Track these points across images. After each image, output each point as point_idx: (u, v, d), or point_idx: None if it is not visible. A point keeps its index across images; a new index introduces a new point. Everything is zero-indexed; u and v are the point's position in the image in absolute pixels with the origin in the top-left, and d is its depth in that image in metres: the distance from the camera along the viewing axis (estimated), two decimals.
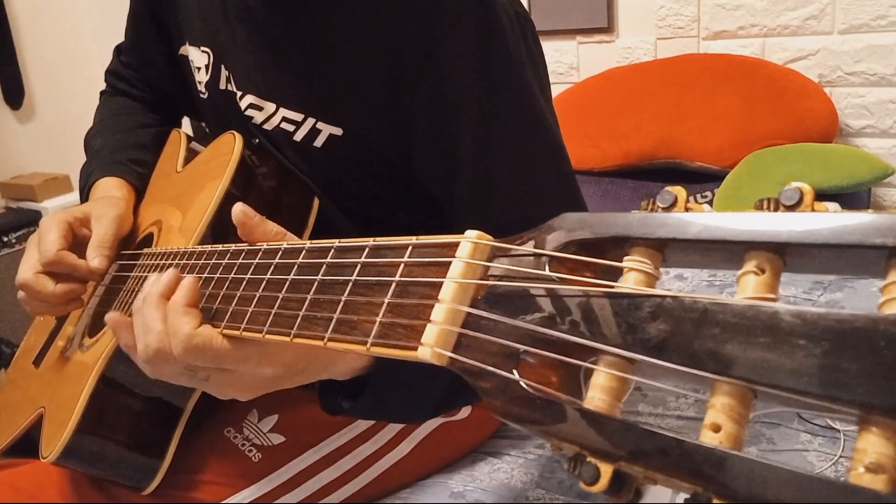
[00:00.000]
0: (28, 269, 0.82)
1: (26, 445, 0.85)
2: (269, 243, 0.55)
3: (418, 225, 0.84)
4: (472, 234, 0.36)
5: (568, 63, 2.35)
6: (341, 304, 0.41)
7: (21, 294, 0.84)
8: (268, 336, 0.47)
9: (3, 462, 0.88)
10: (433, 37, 0.70)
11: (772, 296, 0.25)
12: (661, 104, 2.10)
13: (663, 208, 0.28)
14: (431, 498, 0.90)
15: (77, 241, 0.85)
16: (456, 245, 0.36)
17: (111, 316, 0.62)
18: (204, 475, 0.83)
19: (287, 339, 0.44)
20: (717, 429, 0.24)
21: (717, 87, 2.03)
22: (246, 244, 0.57)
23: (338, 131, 0.77)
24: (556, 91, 2.31)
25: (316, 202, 0.82)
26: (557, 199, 0.77)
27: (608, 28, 2.25)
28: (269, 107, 0.81)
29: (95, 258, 0.82)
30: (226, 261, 0.59)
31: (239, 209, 0.57)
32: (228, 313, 0.53)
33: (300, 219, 0.81)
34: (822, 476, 0.22)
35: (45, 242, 0.81)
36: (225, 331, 0.52)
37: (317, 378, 0.60)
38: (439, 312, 0.34)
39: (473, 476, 0.94)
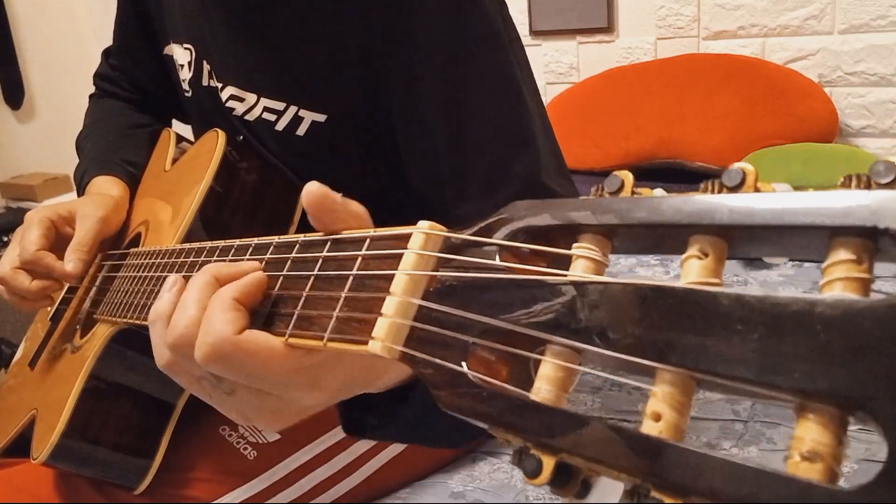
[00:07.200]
0: (7, 263, 0.84)
1: (22, 447, 0.85)
2: (241, 240, 0.54)
3: (405, 220, 0.83)
4: (424, 224, 0.35)
5: (568, 63, 2.34)
6: (302, 299, 0.41)
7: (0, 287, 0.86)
8: None
9: (0, 462, 0.89)
10: (405, 3, 0.69)
11: (714, 280, 0.24)
12: (661, 104, 2.09)
13: (610, 193, 0.28)
14: (431, 498, 0.90)
15: (60, 239, 0.86)
16: (408, 236, 0.35)
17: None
18: (199, 473, 0.83)
19: None
20: (657, 418, 0.23)
21: (717, 87, 2.02)
22: (222, 242, 0.56)
23: (321, 118, 0.77)
24: (556, 91, 2.30)
25: None
26: (526, 149, 0.73)
27: (608, 28, 2.24)
28: (250, 97, 0.81)
29: (70, 262, 0.82)
30: (202, 258, 0.58)
31: (316, 189, 0.42)
32: None
33: (285, 214, 0.81)
34: (759, 466, 0.21)
35: (26, 241, 0.82)
36: None
37: (350, 395, 0.49)
38: (390, 305, 0.33)
39: (473, 476, 0.94)
